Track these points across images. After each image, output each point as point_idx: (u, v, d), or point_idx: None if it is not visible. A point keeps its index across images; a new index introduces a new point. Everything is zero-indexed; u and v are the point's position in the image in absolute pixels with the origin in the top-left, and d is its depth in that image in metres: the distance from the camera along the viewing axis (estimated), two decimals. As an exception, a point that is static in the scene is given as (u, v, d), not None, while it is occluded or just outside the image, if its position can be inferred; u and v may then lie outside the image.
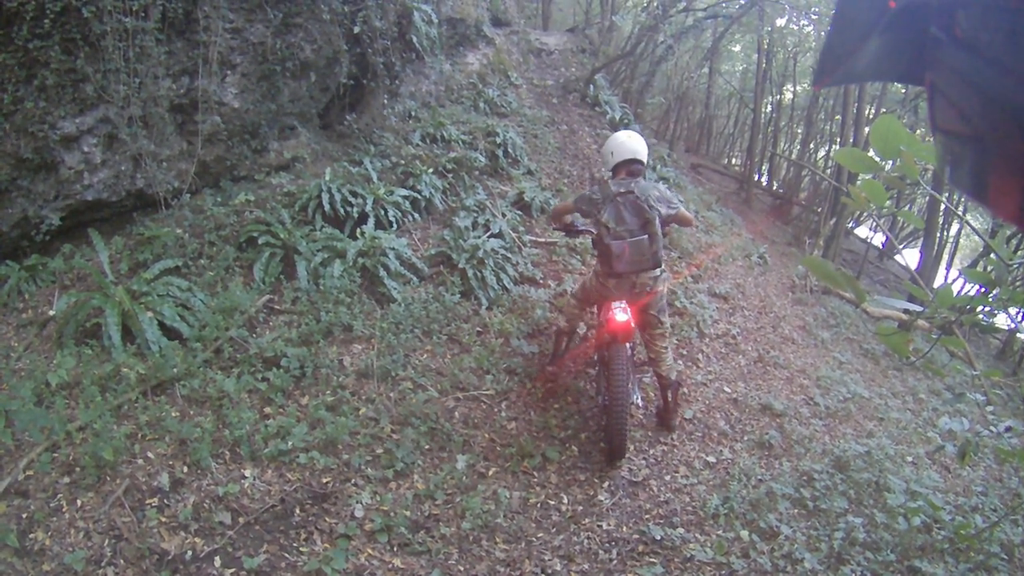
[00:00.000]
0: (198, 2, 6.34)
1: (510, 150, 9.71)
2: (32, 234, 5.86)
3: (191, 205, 6.65)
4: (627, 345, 5.22)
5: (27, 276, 5.83)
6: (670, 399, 5.85)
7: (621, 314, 5.17)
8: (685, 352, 7.46)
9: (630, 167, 5.40)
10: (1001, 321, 2.70)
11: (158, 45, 6.11)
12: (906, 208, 21.78)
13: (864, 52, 0.95)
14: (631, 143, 5.44)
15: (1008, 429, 4.21)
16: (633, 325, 5.23)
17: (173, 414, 4.78)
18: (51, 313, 5.55)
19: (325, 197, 6.95)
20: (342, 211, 6.99)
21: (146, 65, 6.04)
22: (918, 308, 2.29)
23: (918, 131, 21.59)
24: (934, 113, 0.87)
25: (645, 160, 5.46)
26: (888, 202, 2.06)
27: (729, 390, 7.04)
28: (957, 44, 0.78)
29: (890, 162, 1.96)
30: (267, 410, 5.07)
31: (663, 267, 5.41)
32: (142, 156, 6.17)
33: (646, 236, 5.15)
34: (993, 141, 0.75)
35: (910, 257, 23.37)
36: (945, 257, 22.99)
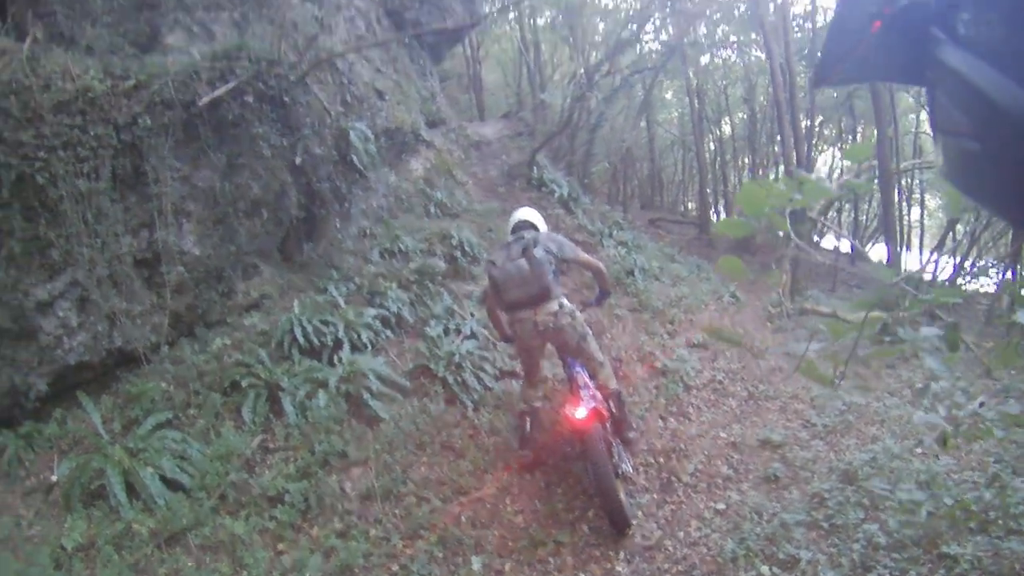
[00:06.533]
0: (144, 156, 6.54)
1: (468, 249, 9.89)
2: (22, 402, 5.92)
3: (171, 357, 6.75)
4: (599, 427, 5.36)
5: (24, 444, 5.86)
6: (614, 410, 5.92)
7: (580, 411, 5.35)
8: (675, 409, 7.56)
9: (521, 230, 6.00)
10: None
11: (113, 204, 6.32)
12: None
13: (865, 52, 0.96)
14: (517, 213, 6.37)
15: (982, 405, 4.32)
16: (593, 420, 5.35)
17: (189, 564, 4.86)
18: (53, 478, 5.59)
19: (298, 330, 7.06)
20: (316, 341, 7.11)
21: (105, 225, 6.25)
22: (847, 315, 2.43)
23: (859, 129, 22.21)
24: (934, 113, 0.89)
25: (534, 220, 6.14)
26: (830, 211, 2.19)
27: (725, 435, 7.13)
28: (957, 44, 0.80)
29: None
30: (280, 547, 5.14)
31: (562, 301, 5.67)
32: (116, 315, 6.30)
33: (523, 259, 5.50)
34: (992, 141, 0.75)
35: (881, 253, 23.81)
36: (915, 241, 23.54)
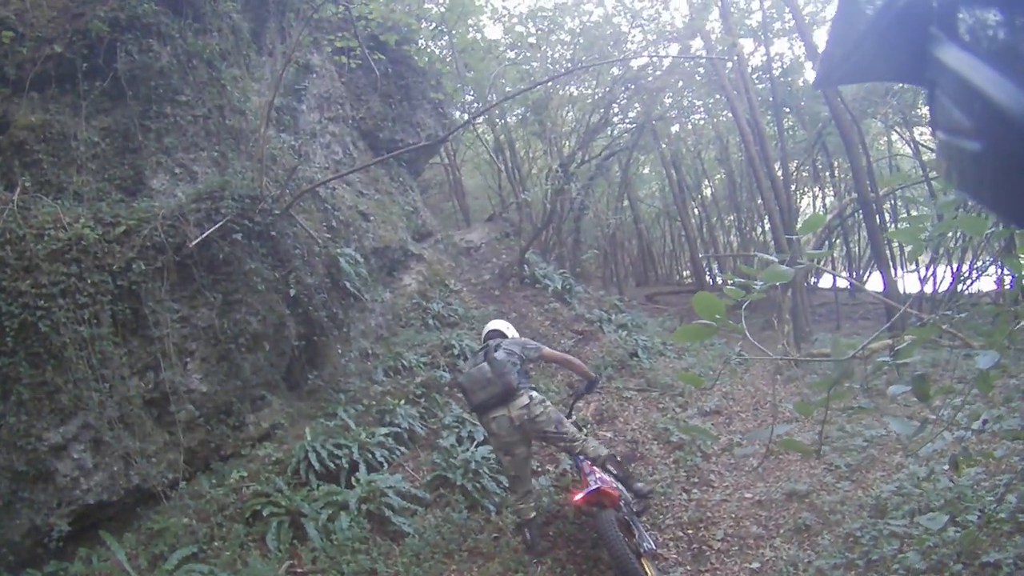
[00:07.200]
0: (142, 300, 6.72)
1: (470, 357, 9.90)
2: (45, 542, 5.88)
3: (190, 492, 6.76)
4: (611, 511, 5.39)
5: (50, 582, 5.83)
6: (614, 470, 6.03)
7: (579, 495, 5.46)
8: (696, 479, 7.56)
9: (490, 339, 6.56)
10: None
11: (116, 347, 6.47)
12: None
13: (865, 52, 0.98)
14: (488, 326, 6.99)
15: (985, 422, 4.36)
16: (595, 501, 5.42)
17: None
18: (85, 615, 5.53)
19: (312, 456, 7.12)
20: (332, 465, 7.15)
21: (110, 368, 6.37)
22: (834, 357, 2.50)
23: (835, 163, 22.40)
24: (934, 113, 0.89)
25: (503, 329, 6.68)
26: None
27: (750, 495, 7.09)
28: (957, 44, 0.80)
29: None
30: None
31: (532, 394, 6.00)
32: (130, 454, 6.34)
33: (484, 363, 5.95)
34: (992, 141, 0.75)
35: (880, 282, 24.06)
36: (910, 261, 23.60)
